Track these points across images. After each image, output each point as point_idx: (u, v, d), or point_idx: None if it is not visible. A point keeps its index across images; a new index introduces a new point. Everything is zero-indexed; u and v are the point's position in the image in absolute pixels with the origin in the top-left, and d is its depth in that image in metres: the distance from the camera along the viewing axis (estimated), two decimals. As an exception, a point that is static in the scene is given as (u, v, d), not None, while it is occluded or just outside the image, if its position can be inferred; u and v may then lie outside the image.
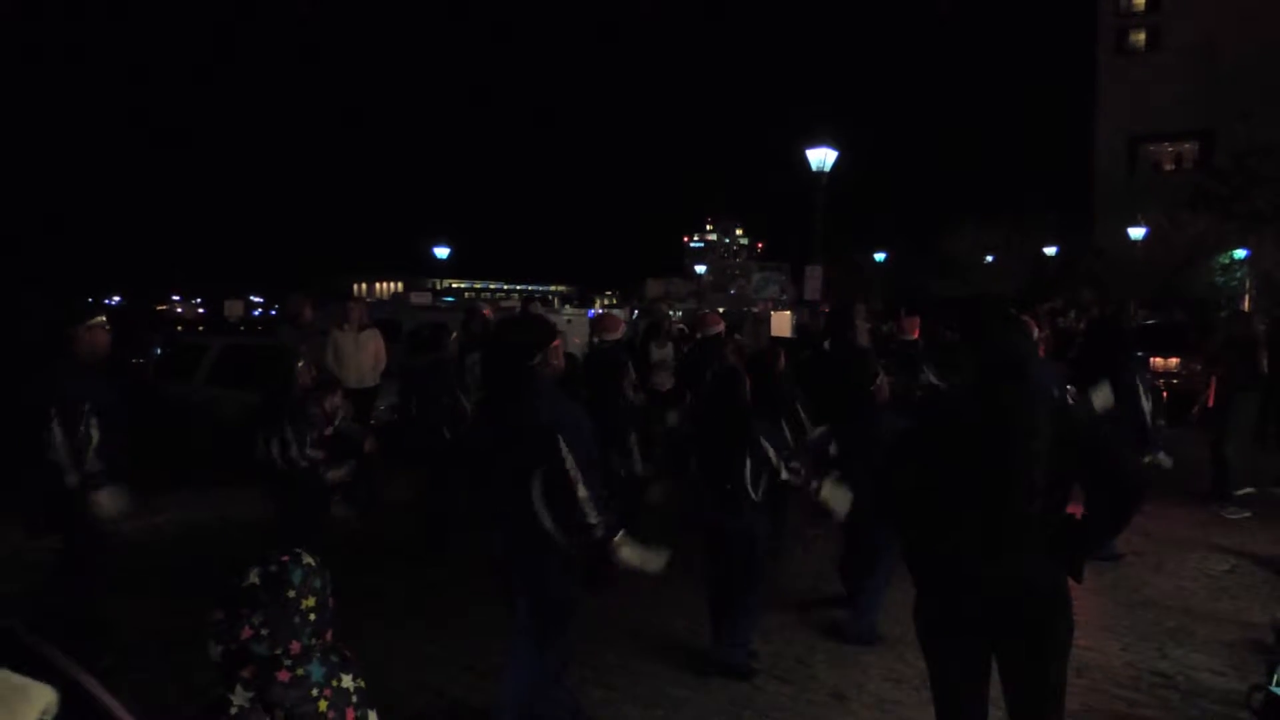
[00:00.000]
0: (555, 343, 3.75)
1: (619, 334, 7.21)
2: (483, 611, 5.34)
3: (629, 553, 3.66)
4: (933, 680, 3.00)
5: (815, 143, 18.08)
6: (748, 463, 4.66)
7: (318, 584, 2.18)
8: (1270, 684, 3.78)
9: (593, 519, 3.53)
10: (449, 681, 4.66)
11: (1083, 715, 4.27)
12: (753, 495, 4.69)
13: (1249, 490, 8.56)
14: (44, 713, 1.21)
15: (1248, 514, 8.05)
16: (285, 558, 2.18)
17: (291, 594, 2.12)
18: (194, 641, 2.22)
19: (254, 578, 2.12)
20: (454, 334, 7.72)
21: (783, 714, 4.36)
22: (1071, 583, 2.85)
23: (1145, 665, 4.92)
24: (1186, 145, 42.55)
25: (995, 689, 2.95)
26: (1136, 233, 32.37)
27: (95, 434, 4.48)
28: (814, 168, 18.16)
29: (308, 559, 2.20)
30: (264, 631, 2.07)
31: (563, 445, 3.48)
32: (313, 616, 2.15)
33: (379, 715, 2.24)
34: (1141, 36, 44.37)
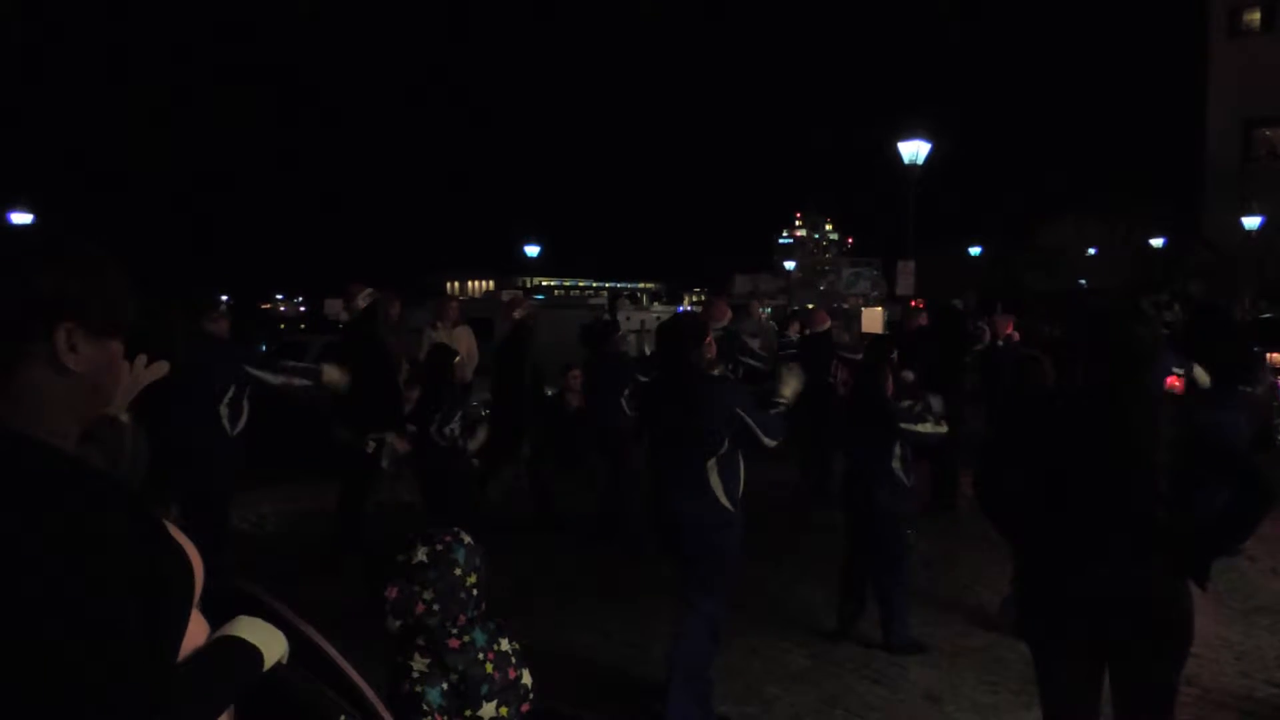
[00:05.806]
0: (708, 339, 4.24)
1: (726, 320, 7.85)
2: (648, 596, 5.60)
3: (790, 392, 4.41)
4: (1042, 687, 2.90)
5: (907, 135, 17.79)
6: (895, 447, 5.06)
7: (477, 561, 2.39)
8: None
9: (776, 444, 4.15)
10: (608, 653, 5.02)
11: (1193, 726, 4.10)
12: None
13: None
14: (283, 653, 1.42)
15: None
16: (448, 537, 2.37)
17: (458, 571, 2.33)
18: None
19: (422, 555, 2.32)
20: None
21: (876, 714, 4.30)
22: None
23: (1261, 675, 4.70)
24: (1306, 129, 40.30)
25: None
26: (1251, 222, 30.84)
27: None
28: (906, 161, 17.85)
29: (467, 538, 2.40)
30: (435, 607, 2.30)
31: (745, 417, 4.01)
32: (475, 592, 2.37)
33: (536, 676, 2.46)
34: (1256, 16, 42.08)
